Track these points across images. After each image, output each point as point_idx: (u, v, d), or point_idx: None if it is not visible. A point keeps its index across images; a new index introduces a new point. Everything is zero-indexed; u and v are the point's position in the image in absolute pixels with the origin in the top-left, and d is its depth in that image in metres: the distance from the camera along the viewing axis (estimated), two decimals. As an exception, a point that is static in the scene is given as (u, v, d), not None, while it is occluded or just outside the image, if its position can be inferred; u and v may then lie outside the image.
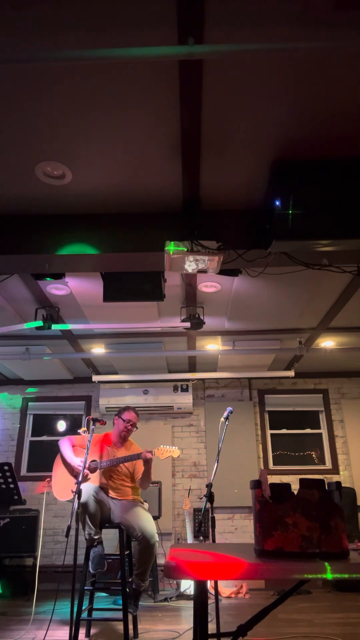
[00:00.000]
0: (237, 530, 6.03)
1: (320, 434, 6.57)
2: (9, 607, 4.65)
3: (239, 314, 4.48)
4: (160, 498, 5.64)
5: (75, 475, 3.65)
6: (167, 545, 5.89)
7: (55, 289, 3.89)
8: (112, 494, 3.69)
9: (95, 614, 3.88)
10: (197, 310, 4.24)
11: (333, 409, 6.59)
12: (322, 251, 2.76)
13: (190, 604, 4.64)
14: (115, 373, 6.18)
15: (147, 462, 3.57)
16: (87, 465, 3.59)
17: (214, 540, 3.28)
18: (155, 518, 5.23)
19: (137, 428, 3.88)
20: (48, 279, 3.50)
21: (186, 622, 4.02)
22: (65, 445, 3.78)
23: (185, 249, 2.72)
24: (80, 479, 3.27)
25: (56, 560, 5.91)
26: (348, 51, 1.93)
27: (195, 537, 5.35)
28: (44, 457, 6.34)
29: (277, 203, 2.52)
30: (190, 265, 2.85)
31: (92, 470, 3.65)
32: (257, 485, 1.64)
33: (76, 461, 3.65)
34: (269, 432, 6.56)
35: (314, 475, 6.15)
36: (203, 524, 5.18)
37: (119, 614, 3.34)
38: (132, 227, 3.00)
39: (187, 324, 4.20)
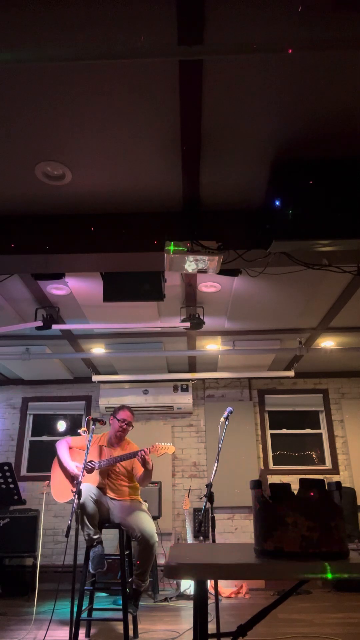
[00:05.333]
0: (237, 530, 6.03)
1: (320, 434, 6.57)
2: (9, 607, 4.65)
3: (239, 314, 4.48)
4: (160, 498, 5.64)
5: (72, 478, 3.65)
6: (167, 545, 5.89)
7: (55, 289, 3.89)
8: (110, 494, 3.68)
9: (95, 614, 3.89)
10: (197, 310, 4.24)
11: (333, 409, 6.59)
12: (322, 251, 2.76)
13: (190, 604, 4.64)
14: (115, 373, 6.18)
15: (146, 466, 3.51)
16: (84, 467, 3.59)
17: (214, 540, 3.28)
18: (155, 518, 5.24)
19: (132, 427, 3.87)
20: (48, 279, 3.50)
21: (186, 622, 4.02)
22: (61, 448, 3.77)
23: (185, 249, 2.72)
24: (80, 479, 3.27)
25: (56, 560, 5.91)
26: (348, 51, 1.93)
27: (195, 537, 5.36)
28: (44, 457, 6.34)
29: (277, 203, 2.52)
30: (190, 265, 2.85)
31: (90, 471, 3.65)
32: (257, 485, 1.64)
33: (72, 465, 3.65)
34: (269, 432, 6.56)
35: (314, 475, 6.15)
36: (203, 524, 5.18)
37: (119, 614, 3.34)
38: (132, 227, 2.99)
39: (187, 324, 4.20)
